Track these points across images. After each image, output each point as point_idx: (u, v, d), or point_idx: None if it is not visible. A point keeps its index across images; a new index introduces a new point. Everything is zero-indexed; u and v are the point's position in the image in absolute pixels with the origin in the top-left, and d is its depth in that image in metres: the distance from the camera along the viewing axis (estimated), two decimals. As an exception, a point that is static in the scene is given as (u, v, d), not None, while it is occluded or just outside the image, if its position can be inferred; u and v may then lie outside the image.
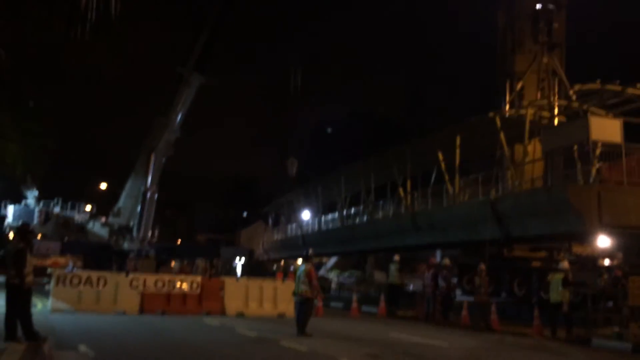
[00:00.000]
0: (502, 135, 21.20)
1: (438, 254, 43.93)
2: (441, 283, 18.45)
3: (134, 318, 16.32)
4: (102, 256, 34.78)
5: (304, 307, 13.19)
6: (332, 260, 52.57)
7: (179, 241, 66.79)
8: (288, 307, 18.71)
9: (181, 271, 35.70)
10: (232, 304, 18.16)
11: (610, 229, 17.54)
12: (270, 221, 47.96)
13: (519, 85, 25.53)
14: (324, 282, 37.14)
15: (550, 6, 24.91)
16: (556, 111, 22.89)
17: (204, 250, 44.29)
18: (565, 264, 16.85)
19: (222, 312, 17.92)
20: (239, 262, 50.26)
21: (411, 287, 31.49)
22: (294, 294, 13.30)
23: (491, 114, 21.39)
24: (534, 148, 25.43)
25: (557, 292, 15.93)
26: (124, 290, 16.96)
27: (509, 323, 18.14)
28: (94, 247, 36.31)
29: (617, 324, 15.39)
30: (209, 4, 37.76)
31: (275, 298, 18.79)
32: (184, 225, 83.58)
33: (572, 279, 16.40)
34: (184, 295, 17.70)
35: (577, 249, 25.91)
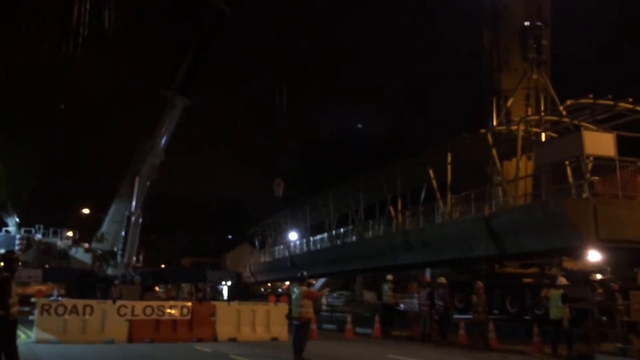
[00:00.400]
0: (494, 152, 21.09)
1: (428, 272, 43.75)
2: (438, 302, 18.06)
3: (123, 347, 15.72)
4: (86, 283, 33.83)
5: (301, 330, 12.73)
6: (320, 281, 51.99)
7: (163, 265, 65.76)
8: (281, 331, 18.27)
9: (167, 296, 34.99)
10: (224, 329, 17.60)
11: (607, 244, 17.36)
12: (256, 243, 47.32)
13: (509, 102, 25.58)
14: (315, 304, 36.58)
15: (539, 23, 25.06)
16: (542, 127, 22.85)
17: (190, 274, 43.34)
18: (562, 280, 16.63)
19: (214, 338, 17.34)
20: (225, 286, 49.43)
21: (402, 307, 31.14)
22: (290, 317, 12.85)
23: (482, 130, 21.32)
24: (525, 164, 25.47)
25: (557, 309, 15.65)
26: (111, 318, 16.34)
27: (506, 341, 17.78)
28: (77, 273, 35.34)
29: (614, 339, 15.16)
30: (194, 26, 37.43)
31: (269, 322, 18.26)
32: (167, 249, 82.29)
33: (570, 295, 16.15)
34: (174, 322, 17.09)
35: (567, 264, 25.81)
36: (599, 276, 23.27)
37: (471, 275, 27.00)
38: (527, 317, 24.98)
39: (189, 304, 17.65)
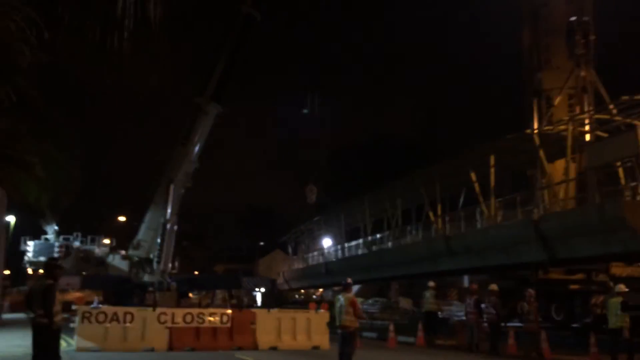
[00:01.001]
0: (541, 153, 20.27)
1: (466, 279, 42.74)
2: (490, 310, 17.30)
3: (163, 355, 15.41)
4: (122, 290, 33.97)
5: (348, 340, 12.04)
6: (355, 287, 51.37)
7: (196, 272, 65.95)
8: (323, 339, 17.74)
9: (201, 303, 34.81)
10: (265, 337, 17.14)
11: (667, 248, 16.42)
12: (290, 250, 46.94)
13: (556, 101, 24.63)
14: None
15: (586, 18, 24.15)
16: (591, 127, 21.93)
17: (225, 281, 43.21)
18: (622, 287, 15.66)
19: (255, 346, 16.90)
20: (259, 292, 49.19)
21: (439, 314, 30.27)
22: (337, 326, 12.21)
23: (528, 131, 20.54)
24: (569, 166, 24.50)
25: (616, 317, 14.74)
26: (151, 325, 16.04)
27: (557, 351, 16.90)
28: (114, 280, 35.51)
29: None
30: (225, 32, 37.34)
31: (309, 330, 17.73)
32: (200, 256, 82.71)
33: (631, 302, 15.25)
34: (214, 329, 16.71)
35: (616, 270, 24.70)
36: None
37: (513, 281, 26.14)
38: (574, 325, 24.01)
39: (229, 311, 17.25)
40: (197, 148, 37.51)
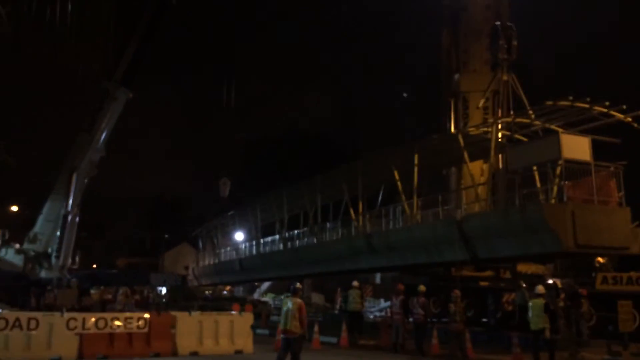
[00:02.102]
0: (465, 154, 20.54)
1: (378, 276, 43.31)
2: (418, 311, 17.24)
3: (72, 364, 14.03)
4: (17, 287, 31.20)
5: (295, 345, 11.84)
6: (266, 283, 50.68)
7: (95, 266, 62.43)
8: (246, 343, 16.99)
9: (101, 298, 32.75)
10: (185, 342, 16.06)
11: (584, 250, 17.09)
12: (200, 245, 45.36)
13: (481, 103, 25.17)
14: (264, 307, 35.22)
15: (509, 24, 24.84)
16: (499, 131, 22.32)
17: (131, 277, 41.01)
18: (540, 289, 16.10)
19: (174, 352, 15.80)
20: (164, 287, 47.18)
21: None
22: (282, 330, 11.94)
23: (453, 131, 20.75)
24: (481, 168, 25.18)
25: (538, 318, 15.10)
26: (59, 332, 14.50)
27: (480, 350, 17.17)
28: (6, 277, 32.49)
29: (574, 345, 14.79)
30: (138, 14, 35.25)
31: (232, 333, 16.86)
32: (99, 248, 78.47)
33: (553, 306, 15.74)
34: (129, 335, 15.41)
35: (521, 268, 25.78)
36: (550, 281, 23.43)
37: (427, 278, 26.55)
38: (484, 320, 24.74)
39: (147, 315, 16.00)
40: (103, 135, 35.29)
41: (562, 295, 20.17)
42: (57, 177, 35.21)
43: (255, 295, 48.80)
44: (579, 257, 21.06)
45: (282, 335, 11.96)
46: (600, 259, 22.92)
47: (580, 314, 18.50)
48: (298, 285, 12.44)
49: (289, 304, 11.90)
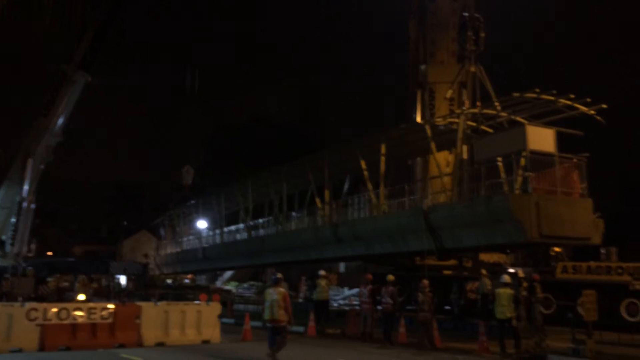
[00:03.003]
0: (432, 145, 20.65)
1: (342, 265, 43.42)
2: (386, 300, 17.32)
3: (32, 356, 13.60)
4: (-31, 276, 30.10)
5: (281, 334, 12.31)
6: (229, 271, 50.27)
7: (50, 253, 60.74)
8: (213, 333, 16.83)
9: (57, 286, 31.95)
10: (150, 332, 15.78)
11: (548, 240, 17.45)
12: (162, 233, 44.61)
13: (448, 94, 25.34)
14: (228, 295, 34.97)
15: (477, 15, 25.03)
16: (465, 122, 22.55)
17: (90, 265, 40.04)
18: (507, 278, 16.40)
19: (139, 343, 15.50)
20: (123, 276, 46.34)
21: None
22: (267, 319, 12.38)
23: (420, 121, 20.83)
24: (447, 158, 25.40)
25: (505, 307, 15.38)
26: (19, 323, 14.03)
27: (446, 339, 17.37)
28: (-42, 266, 31.32)
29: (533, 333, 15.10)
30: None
31: (199, 323, 16.65)
32: (54, 236, 76.36)
33: (525, 294, 16.06)
34: (93, 326, 15.04)
35: (483, 257, 26.26)
36: (512, 270, 23.93)
37: (392, 268, 26.74)
38: (447, 308, 25.10)
39: (111, 306, 15.61)
40: (61, 120, 34.24)
41: (525, 284, 20.63)
42: (12, 162, 34.04)
43: (218, 284, 48.43)
44: (541, 247, 21.43)
45: (269, 325, 12.36)
46: (556, 249, 23.60)
47: (536, 299, 18.90)
48: (279, 275, 12.78)
49: (273, 294, 12.25)
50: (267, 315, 12.28)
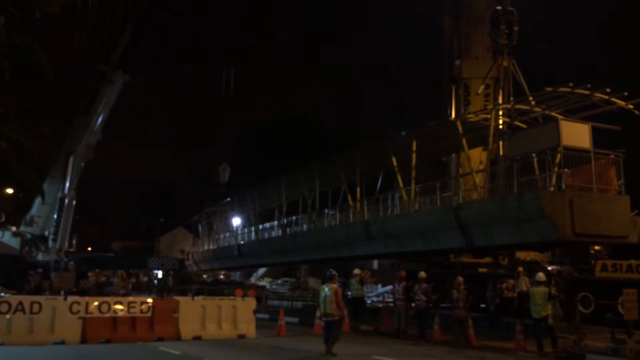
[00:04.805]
0: (464, 141, 20.51)
1: (376, 262, 43.48)
2: (420, 297, 17.37)
3: (75, 348, 14.09)
4: (14, 270, 31.28)
5: (335, 327, 13.02)
6: (262, 269, 50.85)
7: (90, 249, 62.39)
8: (249, 328, 17.15)
9: (96, 281, 32.87)
10: (188, 327, 16.20)
11: (582, 238, 17.16)
12: (200, 230, 45.38)
13: (480, 89, 25.11)
14: (262, 291, 35.45)
15: (510, 8, 24.69)
16: (499, 118, 22.33)
17: (129, 261, 41.03)
18: (541, 276, 16.21)
19: (177, 337, 15.93)
20: (160, 273, 47.33)
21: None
22: (322, 314, 13.27)
23: (452, 118, 20.70)
24: (480, 155, 25.17)
25: (540, 306, 15.22)
26: (62, 316, 14.59)
27: (481, 337, 17.30)
28: (3, 259, 32.54)
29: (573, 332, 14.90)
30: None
31: (235, 318, 17.00)
32: (94, 232, 78.37)
33: (555, 292, 15.88)
34: (132, 319, 15.53)
35: (519, 255, 25.93)
36: (550, 268, 23.62)
37: (426, 265, 26.68)
38: (482, 306, 24.94)
39: (150, 300, 16.09)
40: (100, 118, 35.32)
41: (554, 282, 20.33)
42: (54, 160, 35.14)
43: (252, 280, 49.05)
44: (577, 245, 21.09)
45: (323, 319, 13.22)
46: (595, 247, 23.17)
47: (554, 295, 18.52)
48: (333, 272, 13.59)
49: (326, 290, 13.08)
50: (321, 309, 13.12)
